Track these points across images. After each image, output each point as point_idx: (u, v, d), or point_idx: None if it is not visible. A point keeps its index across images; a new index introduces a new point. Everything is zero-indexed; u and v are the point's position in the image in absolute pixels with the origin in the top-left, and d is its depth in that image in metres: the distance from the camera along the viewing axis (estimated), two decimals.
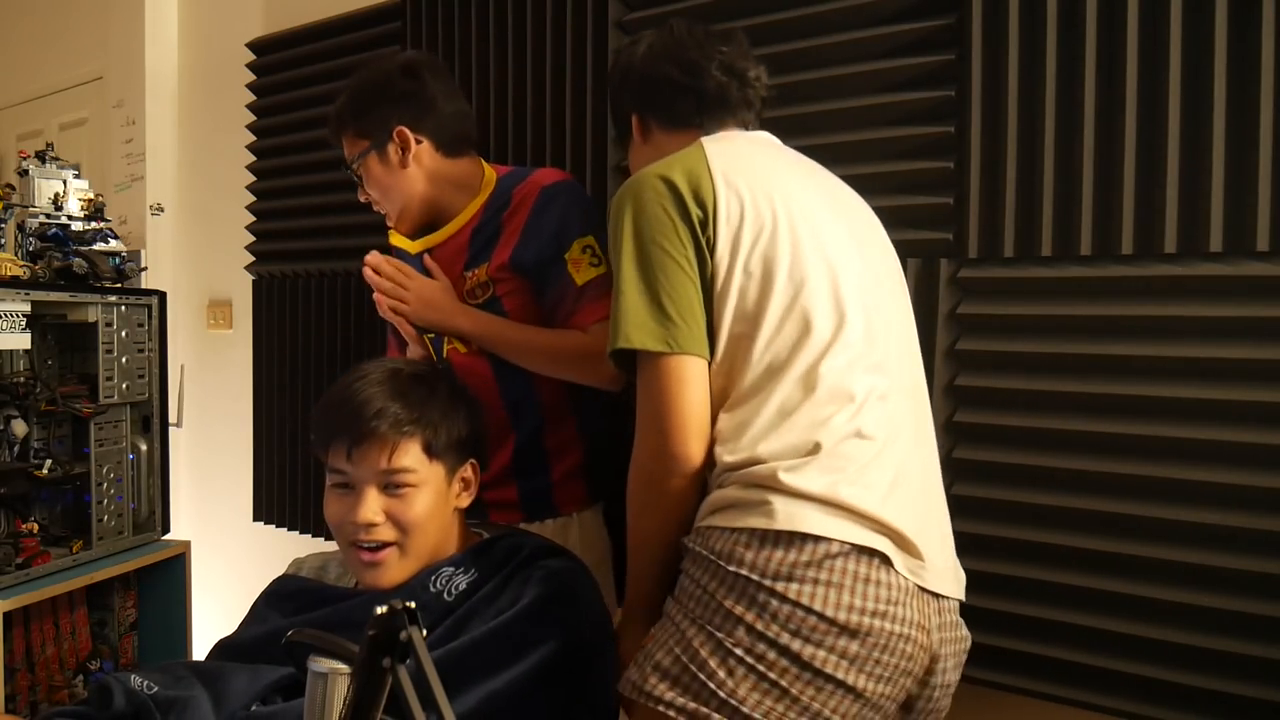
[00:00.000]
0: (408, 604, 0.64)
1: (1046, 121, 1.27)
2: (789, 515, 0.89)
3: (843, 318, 0.99)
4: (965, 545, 1.35)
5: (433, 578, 1.02)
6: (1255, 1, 1.14)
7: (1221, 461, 1.17)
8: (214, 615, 2.34)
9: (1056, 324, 1.28)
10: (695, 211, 1.00)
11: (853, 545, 0.89)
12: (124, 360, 1.51)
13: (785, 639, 0.87)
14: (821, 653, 0.87)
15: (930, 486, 1.04)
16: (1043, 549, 1.29)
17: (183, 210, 2.68)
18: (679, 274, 0.99)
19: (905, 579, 0.91)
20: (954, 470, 1.36)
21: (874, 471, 0.94)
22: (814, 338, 0.97)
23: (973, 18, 1.32)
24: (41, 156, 1.57)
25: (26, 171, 1.54)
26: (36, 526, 1.41)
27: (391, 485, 1.02)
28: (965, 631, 1.02)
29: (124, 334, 1.51)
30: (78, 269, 1.50)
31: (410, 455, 1.02)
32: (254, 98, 2.37)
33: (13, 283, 1.37)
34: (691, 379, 0.98)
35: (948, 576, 0.99)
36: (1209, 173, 1.16)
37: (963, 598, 1.02)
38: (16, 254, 1.49)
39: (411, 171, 1.42)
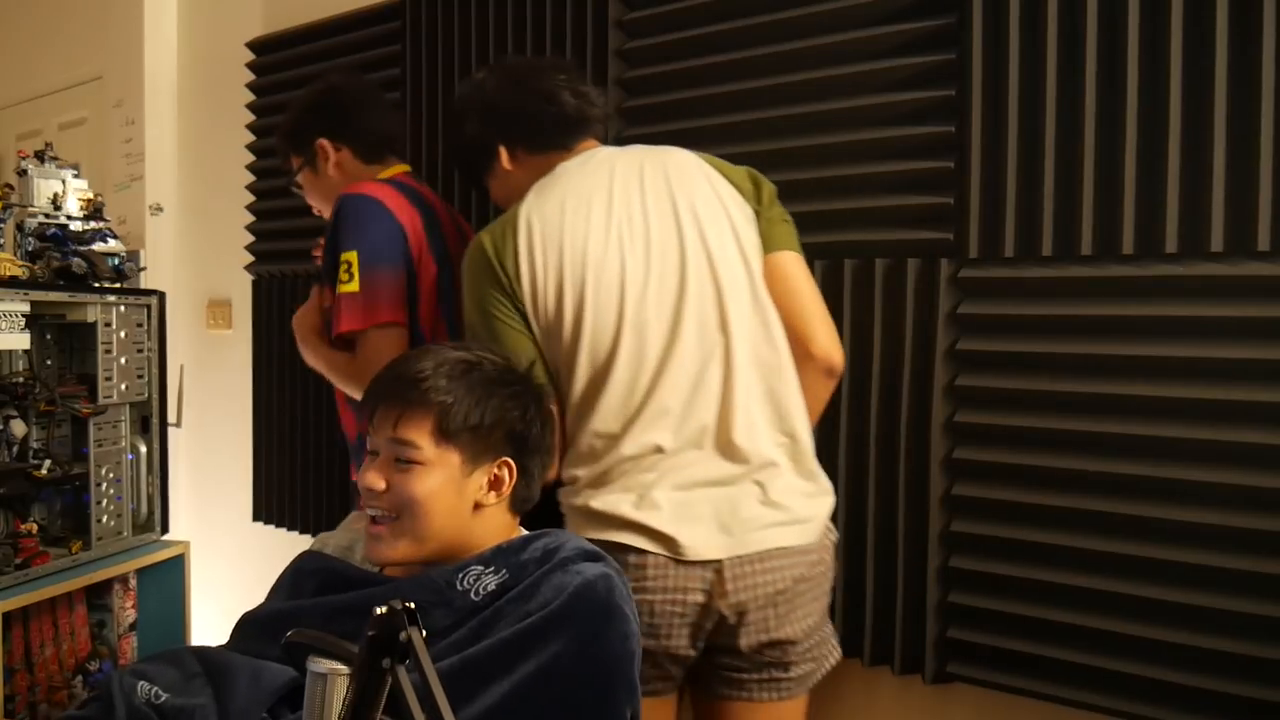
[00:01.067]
0: (408, 604, 0.64)
1: (1047, 121, 1.27)
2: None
3: (620, 350, 1.16)
4: (966, 545, 1.35)
5: (460, 575, 0.98)
6: (1256, 2, 1.14)
7: (1221, 461, 1.17)
8: (213, 615, 2.34)
9: (1057, 324, 1.28)
10: (502, 277, 1.20)
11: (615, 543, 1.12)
12: (123, 360, 1.50)
13: None
14: None
15: (735, 489, 1.17)
16: (1043, 549, 1.29)
17: (182, 210, 2.67)
18: (506, 330, 1.20)
19: (662, 556, 1.13)
20: (954, 470, 1.36)
21: (646, 486, 1.15)
22: (605, 374, 1.16)
23: (973, 18, 1.32)
24: (41, 156, 1.57)
25: (26, 171, 1.53)
26: (36, 527, 1.41)
27: (400, 459, 0.99)
28: (782, 563, 1.15)
29: (123, 334, 1.50)
30: (77, 269, 1.50)
31: (418, 430, 0.99)
32: (254, 98, 2.37)
33: (12, 283, 1.37)
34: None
35: (734, 542, 1.14)
36: (1210, 172, 1.16)
37: (778, 544, 1.15)
38: (16, 254, 1.48)
39: (335, 179, 1.54)
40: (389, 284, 1.38)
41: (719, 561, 1.13)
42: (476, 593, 0.97)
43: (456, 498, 1.00)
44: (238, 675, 0.97)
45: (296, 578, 1.10)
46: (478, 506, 1.02)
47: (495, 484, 1.02)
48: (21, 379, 1.41)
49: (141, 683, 0.97)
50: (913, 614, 1.39)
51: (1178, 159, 1.18)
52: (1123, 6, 1.21)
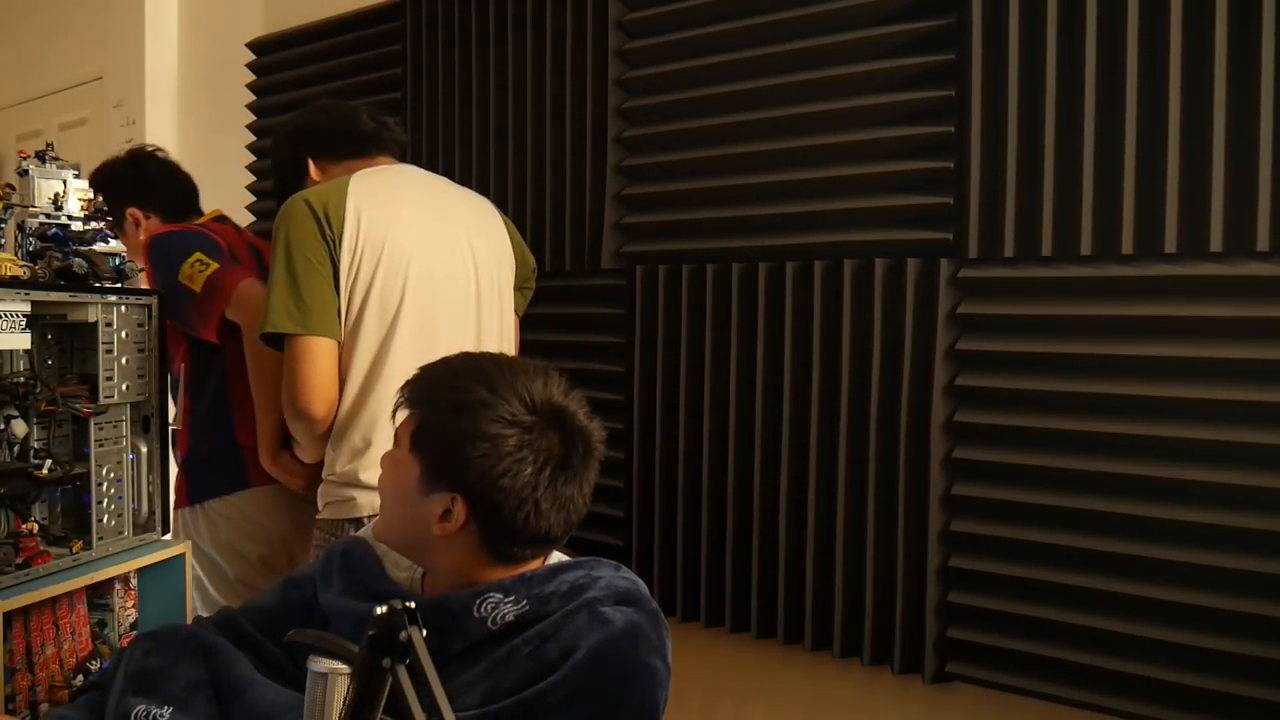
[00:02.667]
0: (408, 604, 0.64)
1: (1047, 121, 1.27)
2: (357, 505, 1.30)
3: (400, 329, 1.31)
4: (965, 545, 1.35)
5: (479, 602, 0.92)
6: (1256, 2, 1.14)
7: (1221, 461, 1.17)
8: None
9: (1056, 324, 1.28)
10: (328, 231, 1.31)
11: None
12: (124, 360, 1.50)
13: None
14: None
15: None
16: (1042, 549, 1.29)
17: None
18: (316, 275, 1.30)
19: None
20: (954, 470, 1.36)
21: None
22: (387, 347, 1.31)
23: (973, 18, 1.32)
24: (41, 156, 1.56)
25: (26, 171, 1.53)
26: (36, 526, 1.40)
27: (394, 444, 0.99)
28: None
29: (124, 334, 1.50)
30: (77, 269, 1.49)
31: (404, 428, 0.97)
32: (254, 98, 2.37)
33: (12, 283, 1.37)
34: (320, 354, 1.30)
35: None
36: (1210, 173, 1.16)
37: None
38: (16, 254, 1.48)
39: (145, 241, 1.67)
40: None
41: None
42: (494, 621, 0.91)
43: (413, 509, 0.95)
44: (245, 692, 0.95)
45: (343, 565, 1.06)
46: (438, 532, 0.94)
47: (444, 515, 0.93)
48: (22, 379, 1.40)
49: (139, 707, 0.93)
50: (912, 614, 1.40)
51: (1178, 159, 1.18)
52: (1123, 6, 1.21)
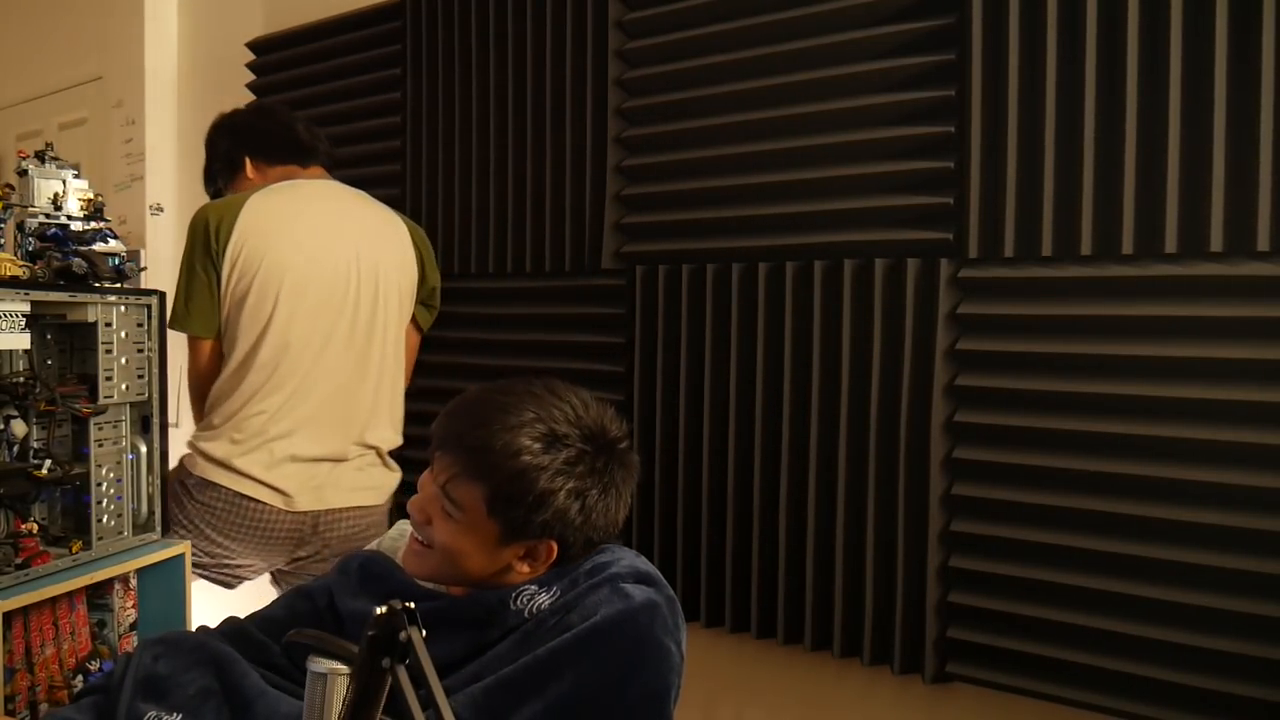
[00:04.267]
0: (407, 604, 0.64)
1: (1047, 121, 1.27)
2: (204, 469, 1.55)
3: (273, 339, 1.51)
4: (965, 545, 1.35)
5: (515, 595, 0.96)
6: (1256, 2, 1.14)
7: (1221, 461, 1.17)
8: (214, 615, 2.33)
9: (1056, 324, 1.28)
10: (214, 244, 1.50)
11: (234, 491, 1.53)
12: (124, 360, 1.50)
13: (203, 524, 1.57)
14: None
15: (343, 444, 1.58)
16: (1042, 549, 1.29)
17: (183, 210, 2.67)
18: (199, 282, 1.52)
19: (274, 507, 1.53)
20: (954, 470, 1.36)
21: (265, 447, 1.52)
22: (255, 352, 1.52)
23: (973, 18, 1.32)
24: (41, 156, 1.56)
25: (26, 171, 1.53)
26: (36, 526, 1.40)
27: (443, 504, 0.98)
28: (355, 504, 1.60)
29: (124, 334, 1.50)
30: (77, 269, 1.49)
31: (467, 493, 0.96)
32: (254, 97, 2.37)
33: (12, 283, 1.37)
34: (198, 349, 1.57)
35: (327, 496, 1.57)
36: (1210, 173, 1.16)
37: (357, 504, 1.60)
38: (16, 254, 1.48)
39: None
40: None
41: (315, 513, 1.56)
42: (530, 612, 0.95)
43: (488, 559, 0.98)
44: (256, 702, 0.96)
45: (364, 575, 1.07)
46: (507, 568, 0.98)
47: (530, 557, 0.98)
48: (22, 379, 1.40)
49: (150, 713, 0.94)
50: (912, 614, 1.40)
51: (1177, 159, 1.18)
52: (1123, 6, 1.21)
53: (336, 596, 1.08)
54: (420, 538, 1.01)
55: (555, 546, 0.98)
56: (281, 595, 1.12)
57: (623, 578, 0.96)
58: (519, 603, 0.96)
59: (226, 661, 1.00)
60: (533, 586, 0.98)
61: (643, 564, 1.01)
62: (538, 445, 0.96)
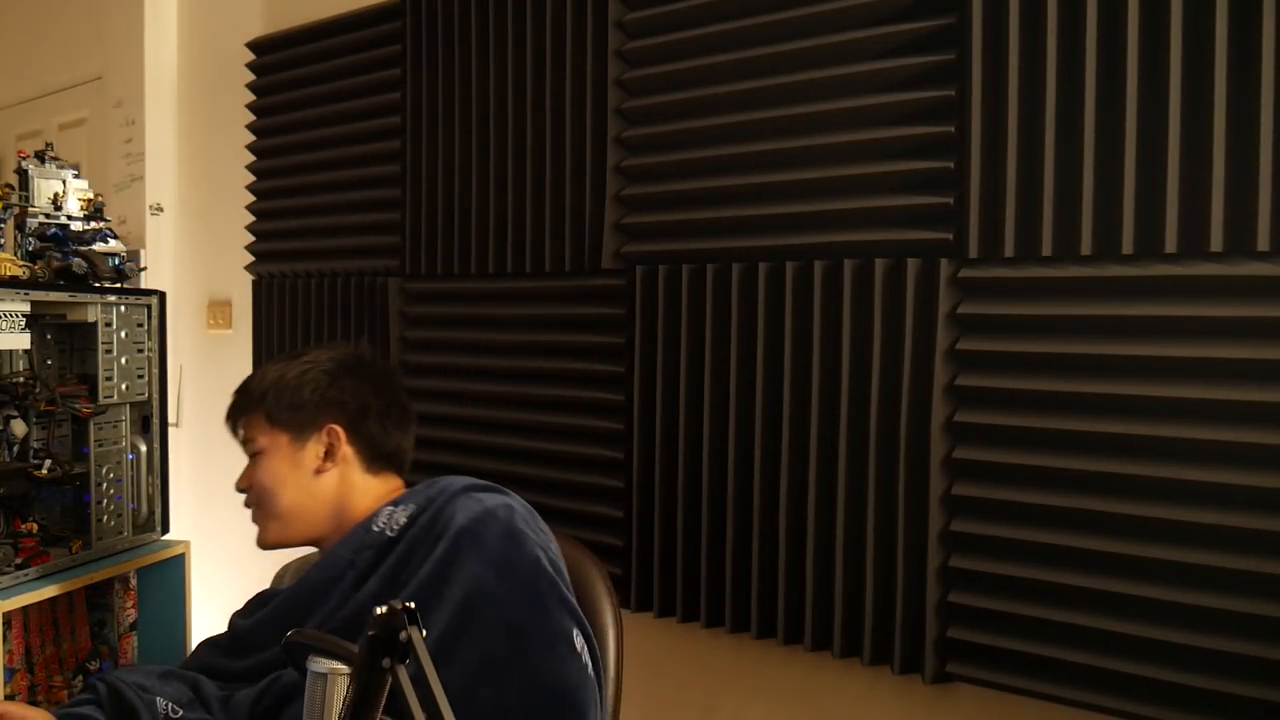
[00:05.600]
0: (407, 604, 0.64)
1: (1047, 121, 1.27)
2: None
3: None
4: (965, 545, 1.35)
5: (374, 520, 1.11)
6: (1256, 2, 1.14)
7: (1221, 461, 1.17)
8: (214, 615, 2.33)
9: (1056, 324, 1.28)
10: None
11: None
12: (124, 360, 1.50)
13: None
14: None
15: None
16: (1043, 549, 1.29)
17: (182, 210, 2.68)
18: None
19: None
20: (954, 470, 1.36)
21: None
22: None
23: (973, 18, 1.32)
24: (41, 156, 1.57)
25: (26, 171, 1.53)
26: (36, 526, 1.41)
27: (250, 454, 1.19)
28: None
29: (124, 334, 1.50)
30: (77, 269, 1.49)
31: (252, 426, 1.19)
32: (254, 98, 2.37)
33: (12, 283, 1.37)
34: None
35: None
36: (1210, 172, 1.16)
37: None
38: (16, 254, 1.48)
39: None
40: None
41: None
42: (391, 528, 1.08)
43: (294, 471, 1.16)
44: (211, 702, 1.06)
45: (243, 613, 1.20)
46: (319, 472, 1.16)
47: (329, 450, 1.17)
48: (22, 379, 1.41)
49: (159, 698, 1.03)
50: (912, 614, 1.39)
51: (1178, 158, 1.18)
52: (1123, 6, 1.21)
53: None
54: (251, 508, 1.19)
55: (343, 432, 1.17)
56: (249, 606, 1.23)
57: (474, 489, 1.11)
58: (380, 523, 1.10)
59: (197, 682, 1.09)
60: (389, 508, 1.11)
61: (484, 482, 1.15)
62: (281, 363, 1.22)
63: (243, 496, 1.21)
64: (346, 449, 1.17)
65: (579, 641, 1.01)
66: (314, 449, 1.17)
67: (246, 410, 1.20)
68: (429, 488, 1.13)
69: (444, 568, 1.00)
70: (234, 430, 1.23)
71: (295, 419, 1.17)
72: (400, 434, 1.23)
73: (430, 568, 1.01)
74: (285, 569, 1.30)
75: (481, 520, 1.04)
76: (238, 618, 1.17)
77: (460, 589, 0.98)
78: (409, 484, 1.21)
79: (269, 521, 1.17)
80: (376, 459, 1.20)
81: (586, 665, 1.01)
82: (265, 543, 1.18)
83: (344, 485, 1.17)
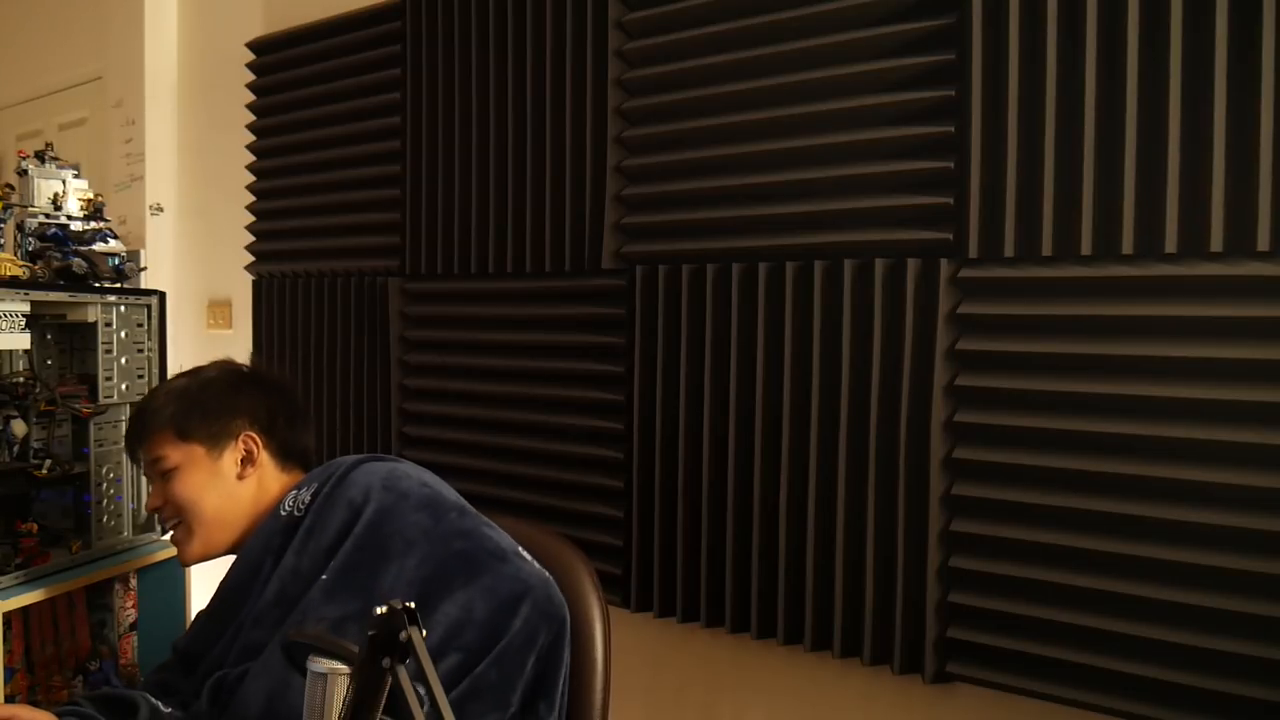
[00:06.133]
0: (408, 604, 0.64)
1: (1047, 121, 1.27)
2: None
3: None
4: (965, 545, 1.35)
5: (282, 505, 1.16)
6: (1256, 2, 1.13)
7: (1221, 461, 1.17)
8: None
9: (1057, 324, 1.28)
10: None
11: None
12: (124, 360, 1.50)
13: None
14: None
15: None
16: (1043, 549, 1.29)
17: (182, 210, 2.68)
18: None
19: None
20: (954, 470, 1.36)
21: None
22: None
23: (973, 18, 1.32)
24: (41, 156, 1.57)
25: (26, 171, 1.53)
26: (36, 526, 1.41)
27: (161, 473, 1.19)
28: None
29: (124, 334, 1.50)
30: (77, 269, 1.49)
31: (160, 444, 1.19)
32: (254, 98, 2.37)
33: (12, 283, 1.37)
34: None
35: None
36: (1210, 172, 1.16)
37: None
38: (16, 254, 1.48)
39: None
40: None
41: None
42: (298, 509, 1.14)
43: (214, 479, 1.19)
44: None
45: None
46: (241, 478, 1.20)
47: (247, 456, 1.21)
48: (22, 379, 1.40)
49: (161, 705, 1.11)
50: (912, 614, 1.39)
51: (1178, 158, 1.18)
52: (1123, 6, 1.21)
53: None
54: (170, 524, 1.22)
55: (259, 436, 1.21)
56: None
57: (364, 460, 1.17)
58: (287, 506, 1.15)
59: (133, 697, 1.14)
60: (294, 491, 1.17)
61: (374, 454, 1.21)
62: (179, 383, 1.25)
63: None
64: (262, 453, 1.22)
65: (525, 553, 1.11)
66: (231, 456, 1.20)
67: (151, 431, 1.21)
68: (325, 469, 1.18)
69: (383, 531, 1.07)
70: (135, 457, 1.26)
71: (208, 430, 1.19)
72: (306, 434, 1.29)
73: (364, 531, 1.07)
74: None
75: (394, 476, 1.13)
76: (179, 641, 1.23)
77: (401, 539, 1.06)
78: None
79: (193, 535, 1.20)
80: (288, 459, 1.25)
81: (543, 571, 1.10)
82: (191, 557, 1.22)
83: (260, 489, 1.22)
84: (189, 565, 1.24)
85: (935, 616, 1.37)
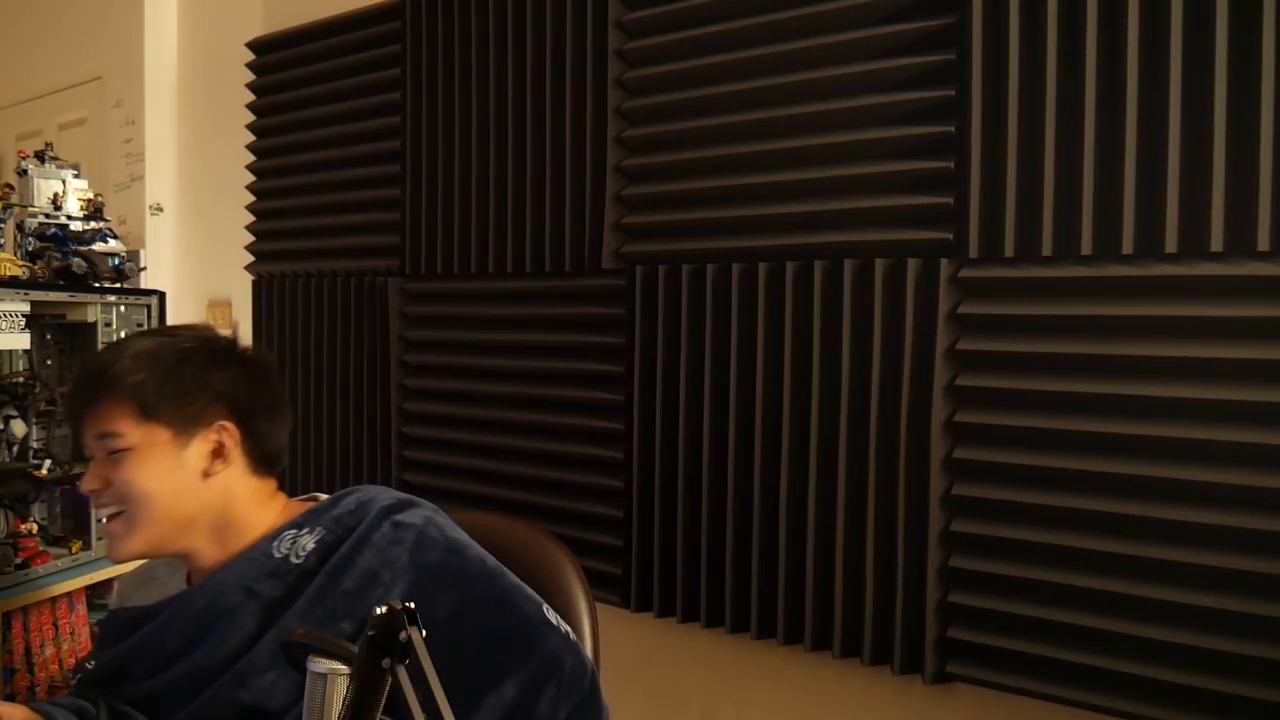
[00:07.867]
0: (407, 604, 0.64)
1: (1047, 121, 1.27)
2: None
3: None
4: (966, 545, 1.35)
5: (275, 543, 0.97)
6: (1256, 2, 1.13)
7: (1221, 461, 1.17)
8: None
9: (1057, 324, 1.28)
10: None
11: None
12: None
13: None
14: None
15: None
16: (1043, 549, 1.29)
17: (182, 210, 2.67)
18: None
19: None
20: (954, 470, 1.36)
21: None
22: None
23: (973, 18, 1.32)
24: (41, 156, 1.57)
25: (26, 171, 1.54)
26: (36, 526, 1.41)
27: (109, 451, 0.96)
28: None
29: (123, 334, 1.50)
30: (77, 269, 1.50)
31: (116, 418, 0.96)
32: (254, 98, 2.37)
33: (12, 283, 1.37)
34: None
35: None
36: (1210, 172, 1.16)
37: None
38: (16, 254, 1.48)
39: None
40: None
41: None
42: (297, 555, 0.96)
43: (175, 472, 0.97)
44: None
45: (103, 642, 1.05)
46: (207, 475, 0.98)
47: (218, 449, 0.99)
48: (22, 379, 1.41)
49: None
50: (912, 614, 1.39)
51: (1178, 158, 1.18)
52: (1123, 6, 1.21)
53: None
54: (107, 511, 0.98)
55: (235, 428, 1.00)
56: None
57: (392, 510, 0.99)
58: (281, 549, 0.96)
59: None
60: (291, 530, 0.98)
61: (396, 493, 1.04)
62: (152, 345, 1.00)
63: None
64: (235, 449, 1.01)
65: (552, 616, 0.98)
66: (199, 448, 0.98)
67: (108, 399, 0.96)
68: (333, 506, 1.01)
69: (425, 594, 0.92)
70: (77, 422, 1.00)
71: (179, 411, 0.97)
72: (283, 431, 1.07)
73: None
74: (125, 582, 1.13)
75: (422, 548, 0.96)
76: (100, 652, 1.04)
77: (448, 615, 0.92)
78: (280, 487, 1.09)
79: (135, 531, 0.97)
80: (261, 460, 1.04)
81: (569, 633, 0.98)
82: (128, 555, 0.98)
83: (227, 492, 1.00)
84: (121, 562, 1.00)
85: (935, 617, 1.37)
